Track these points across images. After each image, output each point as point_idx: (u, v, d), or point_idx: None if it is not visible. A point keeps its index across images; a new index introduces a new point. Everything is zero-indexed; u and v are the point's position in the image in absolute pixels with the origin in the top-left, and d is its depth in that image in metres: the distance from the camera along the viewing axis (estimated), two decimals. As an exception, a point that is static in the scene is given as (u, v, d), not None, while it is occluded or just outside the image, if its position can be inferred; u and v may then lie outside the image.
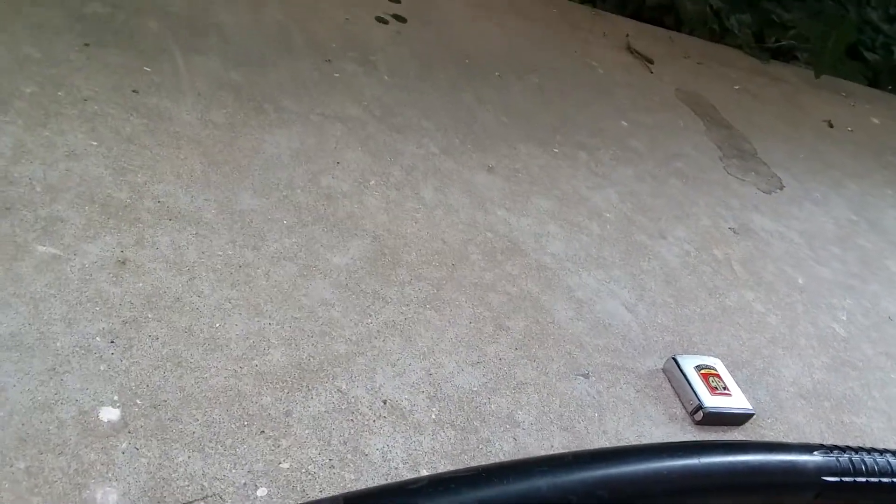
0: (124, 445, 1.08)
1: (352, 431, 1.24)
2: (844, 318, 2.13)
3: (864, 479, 1.59)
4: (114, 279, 1.33)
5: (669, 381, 1.62)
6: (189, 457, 1.10)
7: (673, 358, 1.62)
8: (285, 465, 1.14)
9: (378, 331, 1.46)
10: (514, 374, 1.49)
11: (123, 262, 1.37)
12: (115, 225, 1.44)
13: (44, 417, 1.07)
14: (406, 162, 2.01)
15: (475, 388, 1.42)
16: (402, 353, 1.43)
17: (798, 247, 2.42)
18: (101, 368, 1.17)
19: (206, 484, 1.07)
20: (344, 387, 1.31)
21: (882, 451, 1.72)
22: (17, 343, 1.16)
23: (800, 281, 2.23)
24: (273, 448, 1.16)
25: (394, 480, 1.17)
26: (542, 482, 1.31)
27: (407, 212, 1.82)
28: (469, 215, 1.90)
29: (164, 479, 1.05)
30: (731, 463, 1.53)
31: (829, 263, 2.39)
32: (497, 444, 1.32)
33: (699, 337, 1.81)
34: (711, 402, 1.52)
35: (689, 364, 1.61)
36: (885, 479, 1.61)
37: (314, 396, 1.27)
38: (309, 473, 1.14)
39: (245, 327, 1.35)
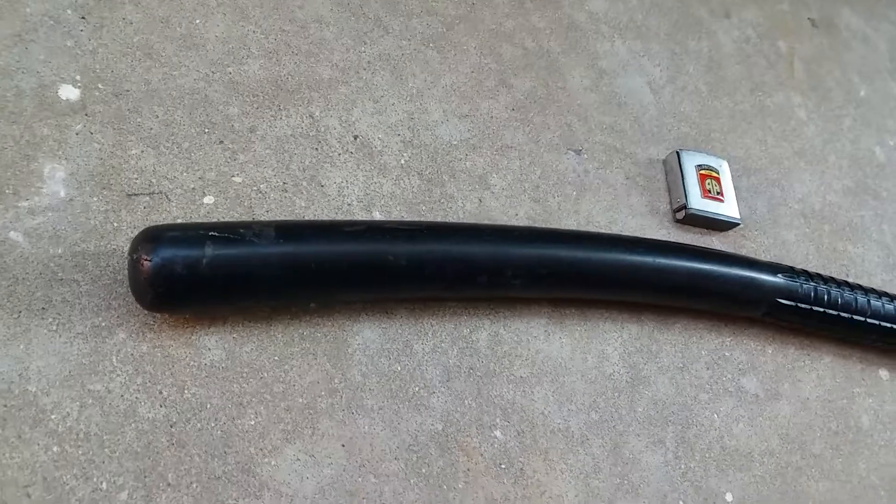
0: (79, 127, 1.09)
1: (313, 160, 1.23)
2: (892, 143, 1.95)
3: (820, 309, 1.55)
4: (95, -51, 1.25)
5: (665, 175, 1.54)
6: (143, 151, 1.11)
7: (677, 151, 1.52)
8: (238, 179, 1.15)
9: (369, 62, 1.38)
10: (503, 135, 1.43)
11: (107, -68, 1.27)
12: None
13: (3, 84, 1.07)
14: None
15: (455, 142, 1.37)
16: (389, 91, 1.37)
17: (879, 55, 2.15)
18: (68, 44, 1.14)
19: (154, 181, 1.10)
20: (317, 114, 1.28)
21: (853, 287, 1.65)
22: (-16, 2, 1.12)
23: (862, 93, 2.02)
24: (229, 160, 1.16)
25: (338, 219, 1.19)
26: (480, 250, 1.30)
27: (438, -70, 1.62)
28: (508, -52, 1.69)
29: (113, 167, 1.08)
30: (687, 268, 1.49)
31: (904, 82, 2.14)
32: (460, 202, 1.31)
33: (719, 134, 1.69)
34: (698, 203, 1.46)
35: (691, 161, 1.51)
36: (844, 314, 1.57)
37: (283, 118, 1.24)
38: (260, 192, 1.16)
39: (227, 30, 1.28)
